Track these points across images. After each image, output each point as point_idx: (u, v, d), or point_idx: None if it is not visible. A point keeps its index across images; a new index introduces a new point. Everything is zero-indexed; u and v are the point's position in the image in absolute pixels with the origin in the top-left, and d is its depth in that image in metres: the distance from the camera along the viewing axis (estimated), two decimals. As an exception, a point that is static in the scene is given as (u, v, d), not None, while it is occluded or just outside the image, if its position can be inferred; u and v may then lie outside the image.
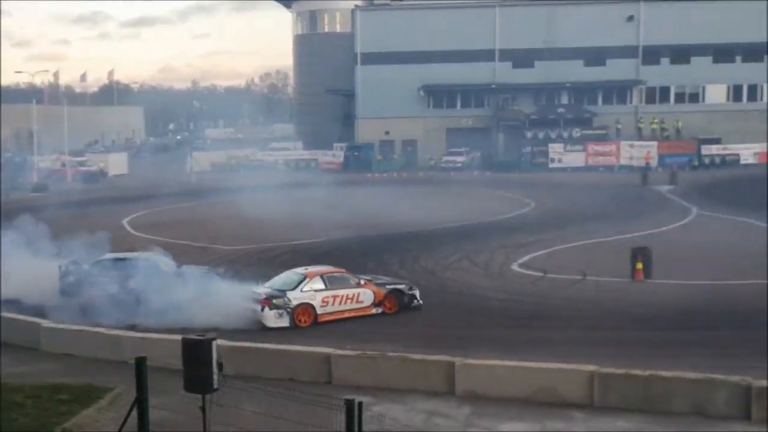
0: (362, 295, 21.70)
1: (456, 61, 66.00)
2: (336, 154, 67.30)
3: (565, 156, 61.88)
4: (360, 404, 9.16)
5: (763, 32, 64.96)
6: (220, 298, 20.55)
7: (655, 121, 65.77)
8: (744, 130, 64.28)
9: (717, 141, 63.44)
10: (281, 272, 22.47)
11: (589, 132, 64.10)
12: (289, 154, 70.90)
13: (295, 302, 20.81)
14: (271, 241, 32.36)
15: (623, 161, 60.90)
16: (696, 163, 60.86)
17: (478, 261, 28.59)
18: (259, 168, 62.97)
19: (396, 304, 22.05)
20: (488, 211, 40.92)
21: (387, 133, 67.58)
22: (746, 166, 60.15)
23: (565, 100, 67.30)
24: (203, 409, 10.66)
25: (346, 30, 73.64)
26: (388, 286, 22.32)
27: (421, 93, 67.54)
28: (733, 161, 61.55)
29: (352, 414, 9.00)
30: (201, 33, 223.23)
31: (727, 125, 64.74)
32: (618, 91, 67.57)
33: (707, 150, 62.19)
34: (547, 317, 21.36)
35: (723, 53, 66.21)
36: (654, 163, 59.43)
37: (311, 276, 21.46)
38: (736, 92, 67.50)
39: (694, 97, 67.64)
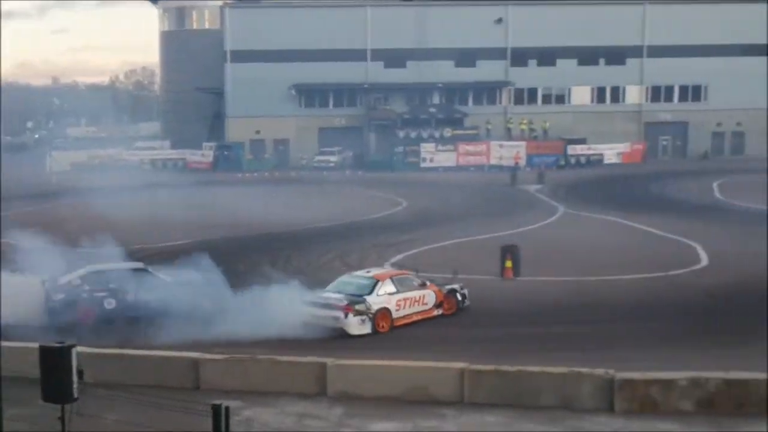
0: (427, 297, 21.32)
1: (328, 60, 65.97)
2: (205, 154, 66.20)
3: (436, 155, 62.82)
4: (227, 409, 9.03)
5: (624, 36, 68.02)
6: (275, 307, 19.49)
7: (524, 121, 67.58)
8: (607, 131, 67.01)
9: (582, 141, 65.73)
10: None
11: (460, 132, 65.29)
12: (156, 153, 69.24)
13: (375, 307, 20.14)
14: (136, 244, 31.47)
15: (493, 161, 62.28)
16: (562, 162, 62.88)
17: (351, 260, 28.67)
18: (124, 168, 61.23)
19: (454, 305, 21.78)
20: (360, 210, 41.13)
21: (258, 132, 66.97)
22: (610, 165, 62.58)
23: (436, 100, 68.32)
24: (62, 419, 10.28)
25: (215, 27, 72.59)
26: (446, 287, 21.99)
27: (293, 92, 67.21)
28: (597, 161, 63.90)
29: (219, 419, 8.87)
30: (61, 28, 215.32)
31: (591, 126, 67.24)
32: (488, 92, 69.10)
33: (573, 150, 64.32)
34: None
35: (587, 56, 68.79)
36: (523, 162, 61.05)
37: (382, 279, 20.93)
38: (599, 94, 70.22)
39: (561, 99, 69.90)
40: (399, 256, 29.18)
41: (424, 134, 64.58)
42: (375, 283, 20.74)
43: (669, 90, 70.11)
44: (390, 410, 14.56)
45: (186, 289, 20.40)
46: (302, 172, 61.19)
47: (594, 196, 47.04)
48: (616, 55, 69.11)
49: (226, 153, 65.50)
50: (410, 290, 21.02)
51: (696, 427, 13.57)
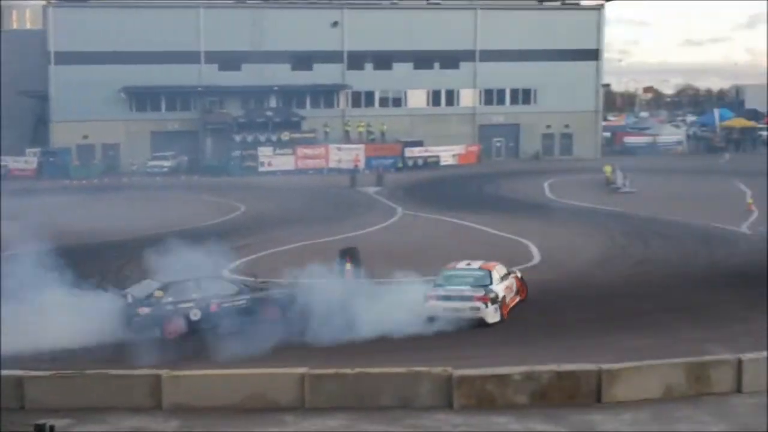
0: (514, 285, 22.52)
1: (159, 62, 64.36)
2: (28, 160, 63.13)
3: (274, 159, 62.46)
4: (52, 428, 8.63)
5: (457, 41, 69.95)
6: (402, 304, 20.41)
7: (362, 124, 68.23)
8: (444, 133, 68.65)
9: (419, 143, 67.01)
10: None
11: (298, 135, 65.17)
12: (-26, 161, 65.48)
13: (500, 296, 21.08)
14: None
15: (332, 164, 62.57)
16: (401, 164, 63.90)
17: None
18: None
19: (525, 290, 22.84)
20: (196, 216, 40.35)
21: (86, 137, 64.47)
22: (446, 167, 64.14)
23: (273, 103, 67.90)
24: None
25: (37, 27, 69.51)
26: (518, 273, 23.06)
27: (123, 95, 65.18)
28: (434, 163, 65.32)
29: (42, 438, 8.45)
30: None
31: (427, 128, 68.73)
32: (325, 95, 69.31)
33: (411, 152, 65.48)
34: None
35: (422, 60, 70.21)
36: (362, 165, 61.66)
37: (491, 268, 21.81)
38: (435, 97, 71.77)
39: (397, 102, 70.94)
40: (237, 262, 28.80)
41: (262, 138, 64.06)
42: (490, 273, 21.65)
43: (501, 93, 72.55)
44: (229, 420, 14.32)
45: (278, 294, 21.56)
46: (134, 178, 59.39)
47: (431, 197, 48.03)
48: (450, 59, 70.87)
49: (51, 159, 62.73)
50: (506, 279, 22.08)
51: (530, 419, 14.05)
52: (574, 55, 71.96)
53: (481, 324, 20.57)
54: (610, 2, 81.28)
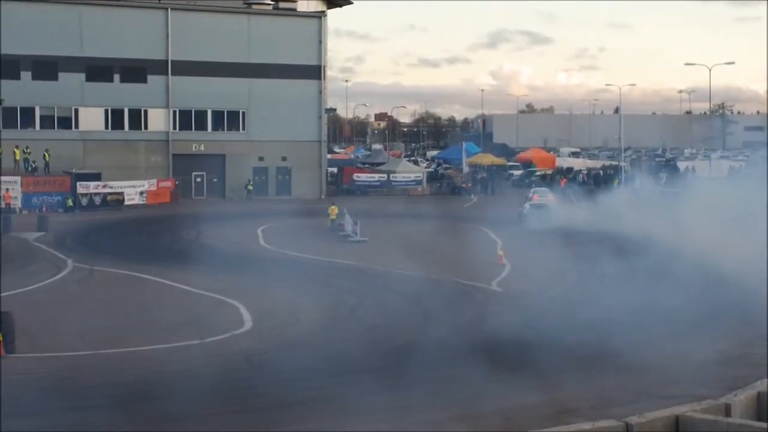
0: None
1: None
2: None
3: None
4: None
5: (146, 48, 69.44)
6: None
7: (18, 150, 65.58)
8: (128, 164, 68.28)
9: (96, 177, 65.47)
10: None
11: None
12: None
13: None
14: None
15: (-23, 201, 60.02)
16: (71, 203, 62.36)
17: None
18: None
19: None
20: None
21: None
22: (132, 207, 63.81)
23: None
24: None
25: None
26: None
27: None
28: (116, 201, 64.60)
29: None
30: None
31: (106, 157, 67.97)
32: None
33: (84, 188, 64.05)
34: None
35: (99, 70, 69.08)
36: (18, 203, 60.17)
37: None
38: (115, 118, 70.46)
39: (66, 122, 69.36)
40: None
41: None
42: None
43: (201, 115, 72.62)
44: None
45: None
46: None
47: (112, 246, 47.12)
48: (134, 71, 70.08)
49: None
50: None
51: None
52: (291, 71, 73.45)
53: None
54: (332, 10, 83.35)
